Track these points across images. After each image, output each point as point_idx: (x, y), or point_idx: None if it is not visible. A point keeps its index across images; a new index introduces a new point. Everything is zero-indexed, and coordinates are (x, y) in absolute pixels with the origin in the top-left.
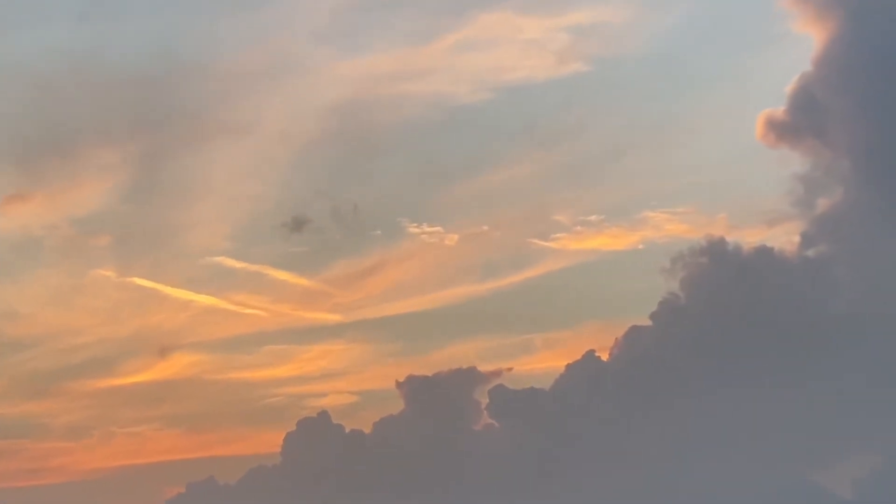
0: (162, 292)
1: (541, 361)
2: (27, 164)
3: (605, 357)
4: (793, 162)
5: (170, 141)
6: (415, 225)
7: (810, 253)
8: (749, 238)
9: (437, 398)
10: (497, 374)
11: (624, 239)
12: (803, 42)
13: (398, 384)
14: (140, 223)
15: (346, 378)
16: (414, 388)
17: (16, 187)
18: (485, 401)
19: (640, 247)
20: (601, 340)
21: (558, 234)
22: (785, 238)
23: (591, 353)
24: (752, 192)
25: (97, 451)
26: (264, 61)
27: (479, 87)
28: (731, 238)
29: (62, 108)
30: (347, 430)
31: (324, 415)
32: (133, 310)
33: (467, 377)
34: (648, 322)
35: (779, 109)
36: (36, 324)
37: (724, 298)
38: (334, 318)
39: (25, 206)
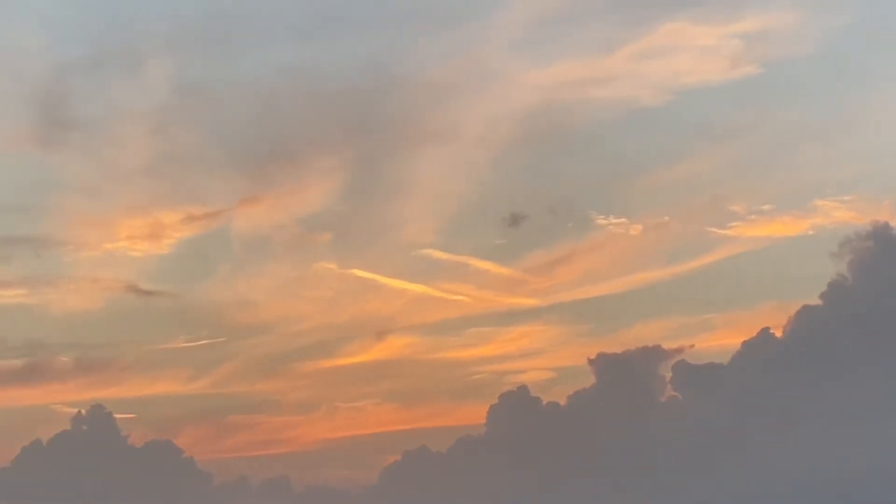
0: (378, 282)
1: (720, 339)
2: (257, 171)
3: (779, 334)
4: None
5: (382, 146)
6: (603, 217)
7: None
8: None
9: (624, 373)
10: (680, 350)
11: (795, 226)
12: None
13: (590, 361)
14: (357, 220)
15: (543, 356)
16: (604, 364)
17: (248, 191)
18: (668, 375)
19: (811, 233)
20: (775, 319)
21: (734, 223)
22: None
23: (766, 330)
24: None
25: (323, 423)
26: (464, 72)
27: (660, 91)
28: (895, 223)
29: (287, 120)
30: (544, 403)
31: (523, 389)
32: (352, 298)
33: (652, 354)
34: (819, 302)
35: None
36: (267, 312)
37: (889, 279)
38: (532, 302)
39: (256, 208)
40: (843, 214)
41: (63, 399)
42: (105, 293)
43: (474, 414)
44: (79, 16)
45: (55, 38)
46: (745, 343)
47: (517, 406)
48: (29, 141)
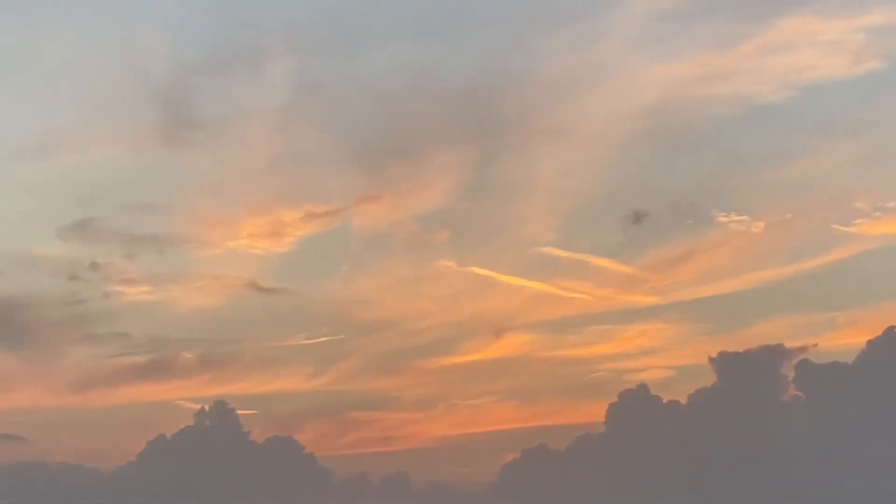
0: (497, 279)
1: (844, 338)
2: (376, 168)
3: None
4: None
5: (500, 143)
6: (723, 214)
7: None
8: None
9: (746, 372)
10: (803, 349)
11: None
12: None
13: (710, 359)
14: (476, 218)
15: (663, 354)
16: (725, 362)
17: (367, 189)
18: (791, 374)
19: None
20: None
21: (859, 220)
22: None
23: (891, 329)
24: None
25: (442, 420)
26: (582, 69)
27: (781, 87)
28: None
29: (406, 118)
30: (664, 401)
31: (643, 387)
32: (471, 296)
33: (775, 353)
34: None
35: None
36: (386, 309)
37: None
38: (651, 300)
39: (376, 206)
40: None
41: (187, 395)
42: (227, 290)
43: (594, 412)
44: (202, 17)
45: (179, 38)
46: (870, 342)
47: (637, 404)
48: (154, 140)
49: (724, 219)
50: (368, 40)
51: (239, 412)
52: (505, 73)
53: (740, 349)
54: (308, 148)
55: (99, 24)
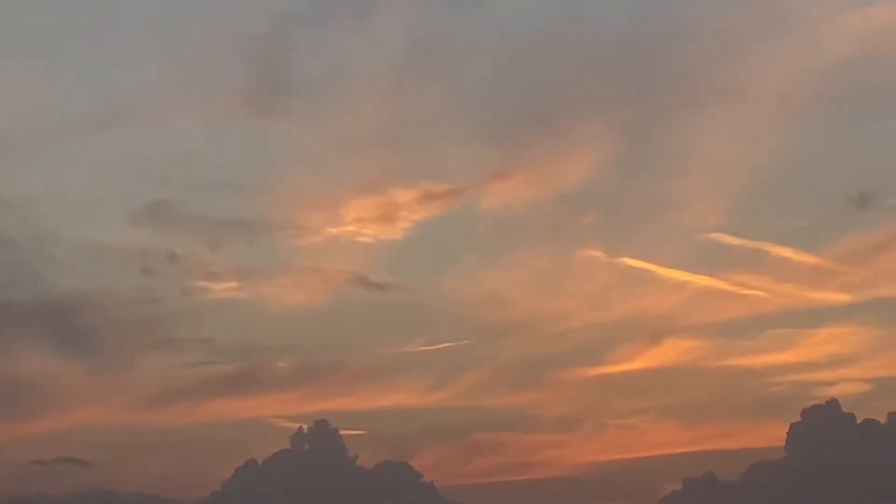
0: (653, 273)
1: None
2: (509, 139)
3: None
4: None
5: (659, 108)
6: None
7: None
8: None
9: None
10: None
11: None
12: None
13: None
14: (629, 198)
15: (858, 364)
16: None
17: (498, 164)
18: None
19: None
20: None
21: None
22: None
23: None
24: None
25: (588, 444)
26: (760, 17)
27: None
28: None
29: (546, 78)
30: (859, 421)
31: (833, 404)
32: (623, 292)
33: None
34: None
35: None
36: (520, 309)
37: None
38: (843, 297)
39: (507, 184)
40: None
41: (281, 412)
42: (329, 286)
43: (772, 434)
44: None
45: None
46: None
47: (825, 424)
48: (242, 107)
49: None
50: None
51: (343, 433)
52: (665, 22)
53: None
54: (425, 115)
55: None
